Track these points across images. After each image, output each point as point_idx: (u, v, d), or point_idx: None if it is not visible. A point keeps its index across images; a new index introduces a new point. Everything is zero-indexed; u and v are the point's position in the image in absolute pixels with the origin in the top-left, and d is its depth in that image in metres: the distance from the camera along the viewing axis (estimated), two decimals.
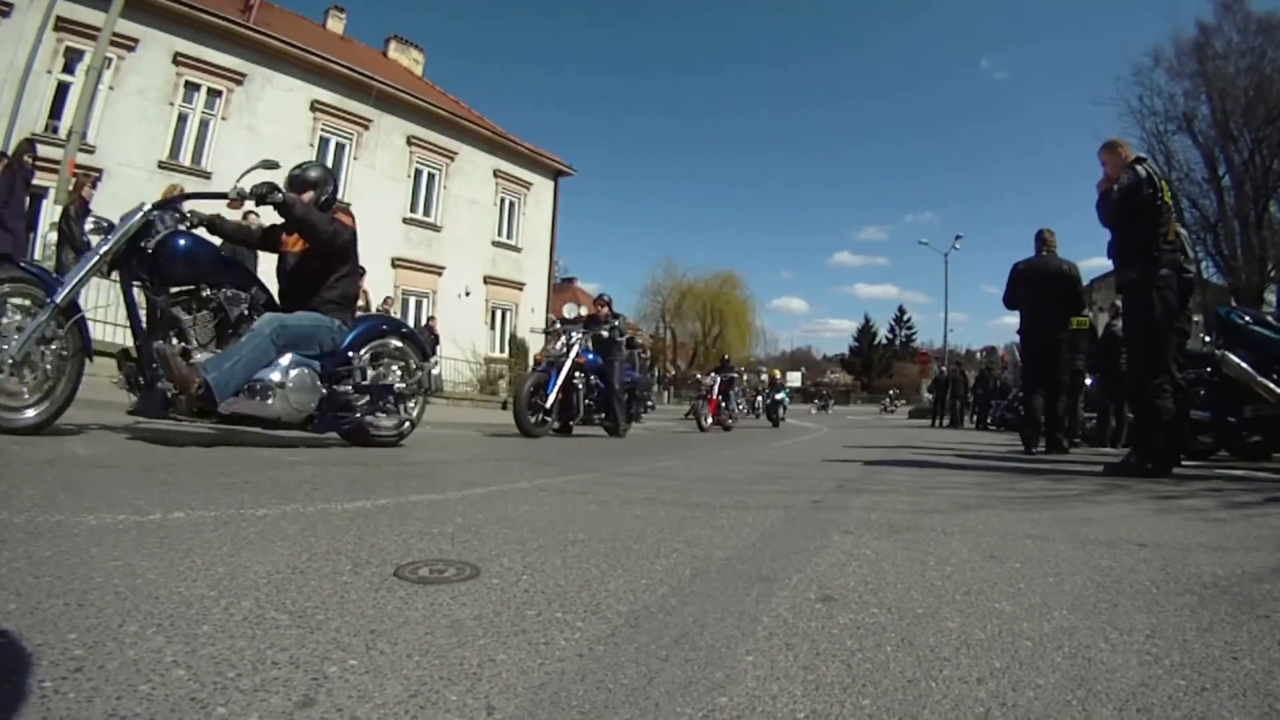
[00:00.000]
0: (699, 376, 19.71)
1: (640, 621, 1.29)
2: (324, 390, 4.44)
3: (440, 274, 21.49)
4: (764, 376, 22.93)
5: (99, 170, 13.18)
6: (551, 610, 1.34)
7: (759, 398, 21.81)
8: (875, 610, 1.41)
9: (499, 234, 23.93)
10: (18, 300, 3.56)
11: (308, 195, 4.61)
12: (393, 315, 12.20)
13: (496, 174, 23.77)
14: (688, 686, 1.00)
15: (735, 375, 15.67)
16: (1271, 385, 5.32)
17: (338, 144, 19.24)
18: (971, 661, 1.13)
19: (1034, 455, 6.71)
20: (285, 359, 4.24)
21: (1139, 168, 4.57)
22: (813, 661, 1.12)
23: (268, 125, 17.41)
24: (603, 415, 8.49)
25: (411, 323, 19.42)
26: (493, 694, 0.95)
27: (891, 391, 42.30)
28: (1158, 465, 4.46)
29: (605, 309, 9.37)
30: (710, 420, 13.07)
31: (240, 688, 0.91)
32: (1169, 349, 4.55)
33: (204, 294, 4.15)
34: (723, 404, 14.19)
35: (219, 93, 16.69)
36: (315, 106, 18.60)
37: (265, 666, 0.99)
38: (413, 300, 20.97)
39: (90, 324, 3.98)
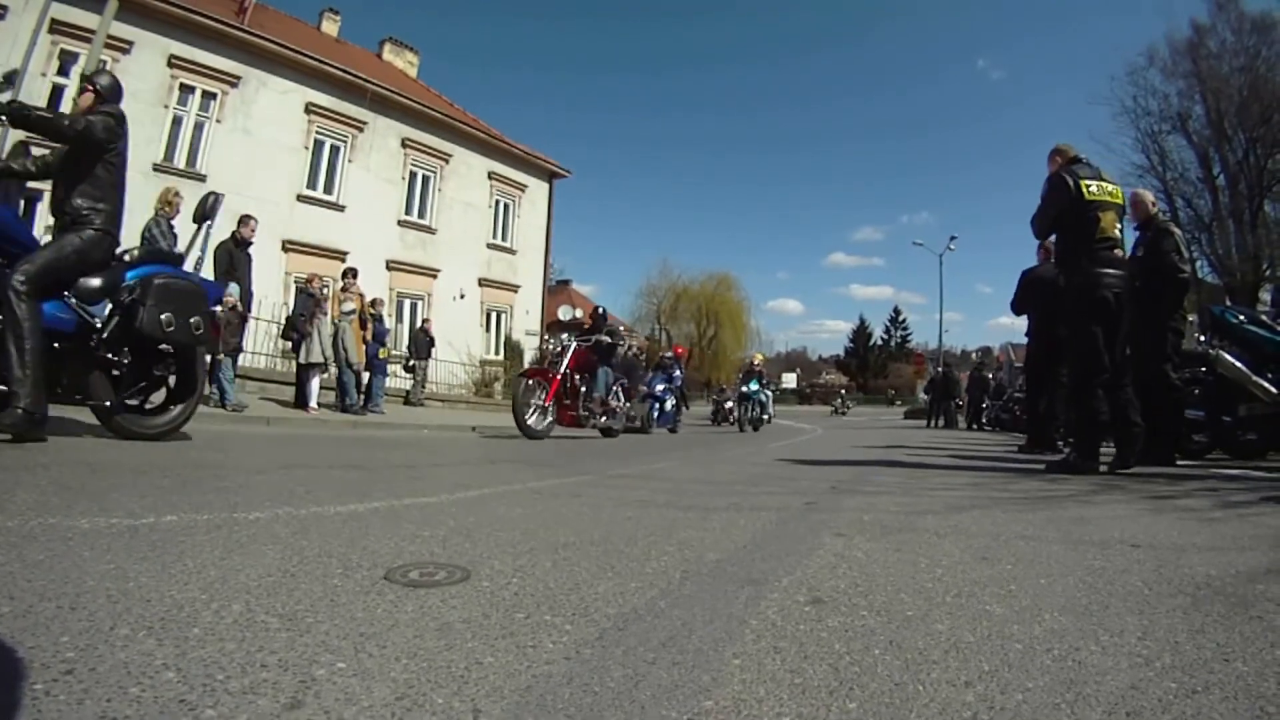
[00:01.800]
0: (546, 341, 13.66)
1: (629, 624, 1.29)
2: None
3: (435, 276, 21.44)
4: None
5: None
6: (540, 613, 1.34)
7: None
8: (864, 613, 1.41)
9: (494, 236, 23.88)
10: None
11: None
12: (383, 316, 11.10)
13: (491, 176, 23.74)
14: (674, 690, 1.00)
15: (617, 341, 9.83)
16: (1266, 384, 5.34)
17: (332, 146, 19.17)
18: (960, 664, 1.13)
19: (1032, 455, 6.74)
20: None
21: (1057, 174, 4.62)
22: (800, 665, 1.12)
23: (262, 128, 17.36)
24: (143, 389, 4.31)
25: (406, 325, 19.47)
26: (479, 697, 0.95)
27: (842, 391, 41.98)
28: (1090, 462, 4.52)
29: None
30: (549, 419, 7.85)
31: (229, 690, 0.92)
32: (1101, 349, 4.49)
33: None
34: (582, 389, 8.58)
35: (214, 95, 16.63)
36: (310, 109, 18.55)
37: (254, 669, 0.99)
38: (407, 303, 20.89)
39: None
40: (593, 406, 8.64)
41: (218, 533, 1.85)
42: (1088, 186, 4.54)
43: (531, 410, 7.61)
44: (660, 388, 12.62)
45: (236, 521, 2.02)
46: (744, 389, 14.45)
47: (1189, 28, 26.23)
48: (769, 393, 16.58)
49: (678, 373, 13.62)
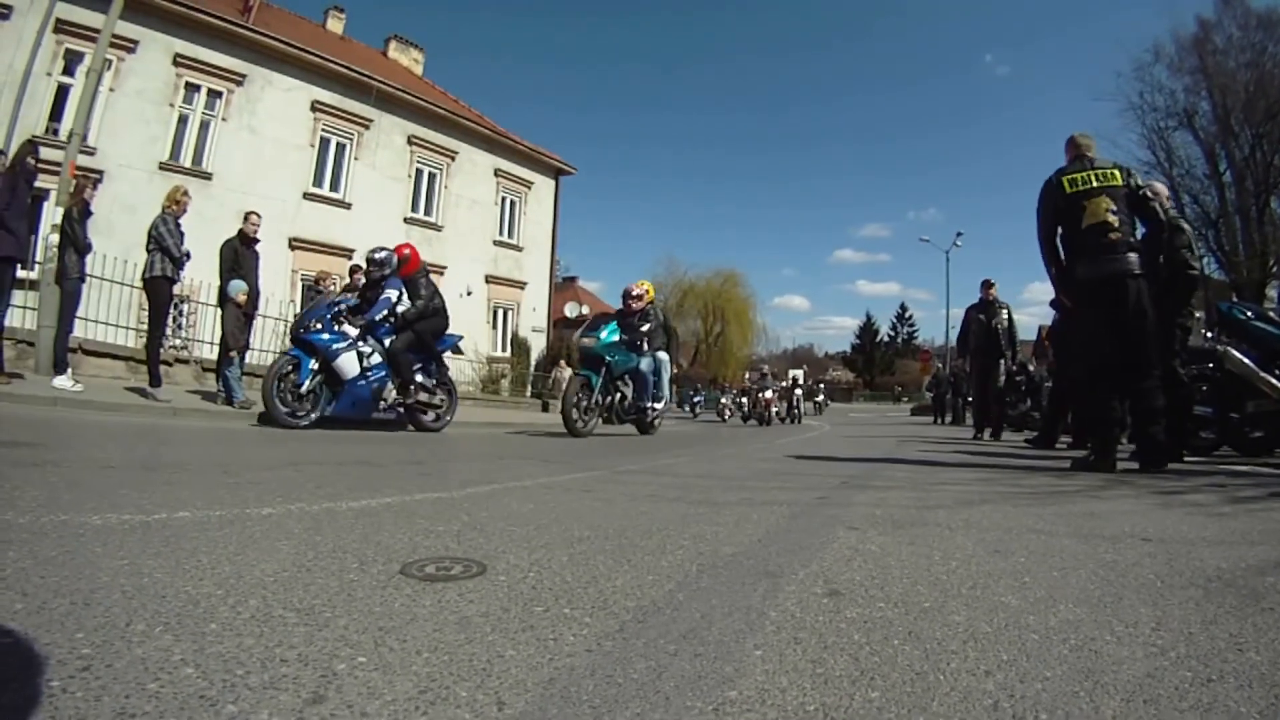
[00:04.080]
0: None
1: (648, 617, 1.29)
2: None
3: (441, 274, 21.36)
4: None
5: (100, 172, 13.14)
6: (559, 606, 1.34)
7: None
8: (882, 604, 1.41)
9: (500, 233, 23.88)
10: None
11: None
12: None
13: (497, 173, 23.73)
14: (697, 681, 1.00)
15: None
16: (1274, 381, 5.32)
17: (338, 144, 19.19)
18: (979, 654, 1.13)
19: (1039, 450, 6.75)
20: None
21: (1044, 183, 4.52)
22: (821, 655, 1.12)
23: (268, 126, 17.38)
24: None
25: None
26: (503, 690, 0.95)
27: (821, 385, 41.44)
28: (1106, 459, 4.35)
29: None
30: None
31: (249, 685, 0.92)
32: (1102, 341, 4.31)
33: None
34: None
35: (219, 94, 16.64)
36: (315, 107, 18.56)
37: (274, 664, 0.99)
38: None
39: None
40: None
41: (231, 528, 1.86)
42: (1069, 180, 4.38)
43: None
44: (327, 337, 6.45)
45: (249, 517, 2.02)
46: (585, 340, 7.83)
47: (1195, 24, 26.21)
48: (665, 356, 8.60)
49: (392, 293, 6.94)
